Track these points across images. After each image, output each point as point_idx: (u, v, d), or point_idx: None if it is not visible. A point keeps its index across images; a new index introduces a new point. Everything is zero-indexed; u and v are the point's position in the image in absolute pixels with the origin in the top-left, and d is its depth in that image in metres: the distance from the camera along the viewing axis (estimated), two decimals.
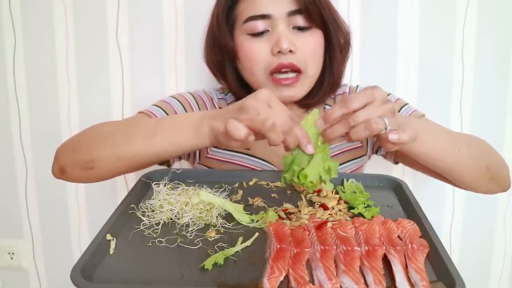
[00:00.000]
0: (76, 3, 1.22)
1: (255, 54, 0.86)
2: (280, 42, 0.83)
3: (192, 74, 1.24)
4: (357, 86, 1.01)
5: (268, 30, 0.85)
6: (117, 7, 1.21)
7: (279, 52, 0.83)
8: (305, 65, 0.86)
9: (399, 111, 0.92)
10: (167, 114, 0.88)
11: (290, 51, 0.83)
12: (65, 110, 1.29)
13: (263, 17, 0.84)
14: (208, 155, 0.96)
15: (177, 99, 0.93)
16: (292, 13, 0.84)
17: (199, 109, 0.95)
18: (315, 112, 0.65)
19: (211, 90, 1.02)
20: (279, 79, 0.85)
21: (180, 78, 1.25)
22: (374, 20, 1.20)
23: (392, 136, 0.62)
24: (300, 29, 0.85)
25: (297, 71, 0.85)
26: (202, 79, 1.23)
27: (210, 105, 0.97)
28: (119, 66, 1.25)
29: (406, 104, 0.94)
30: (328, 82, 0.92)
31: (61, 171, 0.77)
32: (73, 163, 0.75)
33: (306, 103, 0.94)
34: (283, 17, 0.84)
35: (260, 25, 0.85)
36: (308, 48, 0.85)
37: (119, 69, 1.25)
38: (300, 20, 0.84)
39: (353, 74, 1.23)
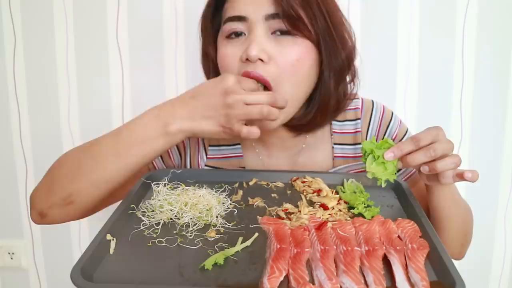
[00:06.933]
0: (76, 3, 1.22)
1: (226, 62, 0.75)
2: (248, 48, 0.71)
3: (192, 74, 1.24)
4: (384, 107, 0.90)
5: (245, 34, 0.74)
6: (117, 7, 1.21)
7: (247, 59, 0.72)
8: (278, 80, 0.72)
9: (403, 137, 0.91)
10: None
11: (261, 60, 0.71)
12: (65, 110, 1.29)
13: (240, 18, 0.73)
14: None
15: None
16: (270, 17, 0.72)
17: None
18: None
19: None
20: None
21: (180, 78, 1.25)
22: (374, 20, 1.20)
23: (468, 175, 0.65)
24: (283, 34, 0.73)
25: (265, 86, 0.72)
26: (202, 79, 1.23)
27: None
28: (119, 66, 1.25)
29: (407, 129, 0.93)
30: (318, 105, 0.79)
31: (40, 216, 0.74)
32: (51, 204, 0.72)
33: (294, 124, 0.80)
34: (261, 21, 0.72)
35: (236, 27, 0.74)
36: (287, 60, 0.72)
37: (119, 69, 1.25)
38: (280, 26, 0.72)
39: None
